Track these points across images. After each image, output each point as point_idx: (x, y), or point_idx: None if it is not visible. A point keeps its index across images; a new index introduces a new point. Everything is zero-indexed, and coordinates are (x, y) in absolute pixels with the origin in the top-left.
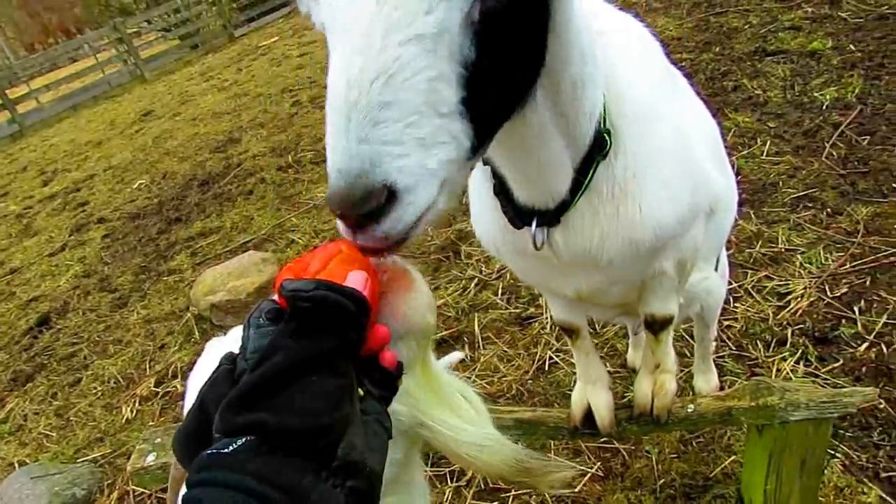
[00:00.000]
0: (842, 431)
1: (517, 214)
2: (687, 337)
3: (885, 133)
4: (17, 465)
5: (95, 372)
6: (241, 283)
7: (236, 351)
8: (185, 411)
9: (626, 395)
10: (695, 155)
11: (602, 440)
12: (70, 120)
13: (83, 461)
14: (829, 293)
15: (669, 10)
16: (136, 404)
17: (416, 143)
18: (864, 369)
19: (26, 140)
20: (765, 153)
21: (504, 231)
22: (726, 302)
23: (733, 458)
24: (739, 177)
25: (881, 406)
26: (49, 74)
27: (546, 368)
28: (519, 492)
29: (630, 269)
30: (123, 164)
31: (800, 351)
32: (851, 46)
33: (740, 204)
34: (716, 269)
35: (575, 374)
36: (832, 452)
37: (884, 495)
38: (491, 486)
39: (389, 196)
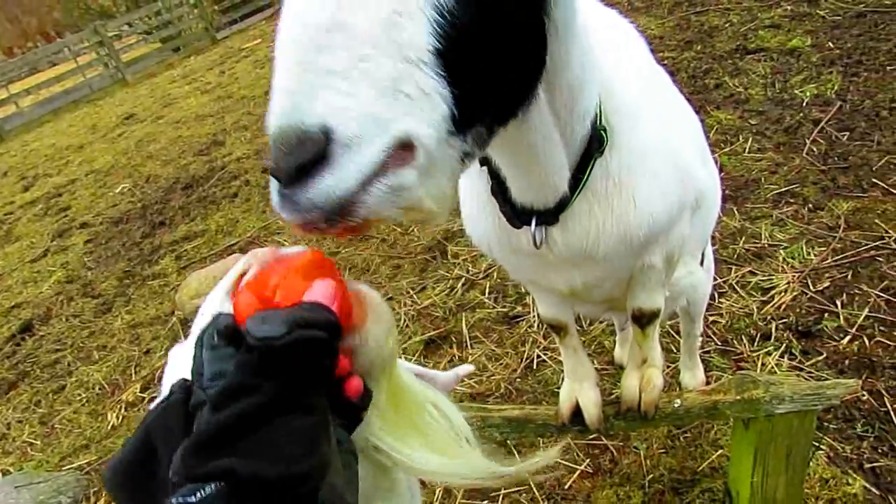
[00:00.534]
0: (826, 424)
1: (516, 214)
2: (673, 333)
3: (865, 129)
4: (0, 474)
5: (80, 378)
6: None
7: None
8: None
9: (613, 391)
10: (681, 149)
11: (590, 437)
12: (51, 124)
13: (68, 469)
14: (811, 287)
15: (651, 10)
16: (122, 410)
17: (368, 82)
18: (846, 362)
19: (6, 145)
20: (747, 150)
21: (498, 229)
22: (711, 297)
23: (720, 452)
24: (722, 174)
25: (864, 398)
26: (29, 79)
27: (534, 367)
28: (509, 490)
29: (622, 262)
30: (106, 169)
31: (784, 345)
32: (830, 44)
33: (723, 200)
34: (701, 264)
35: (562, 371)
36: (817, 445)
37: (868, 486)
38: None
39: (326, 146)
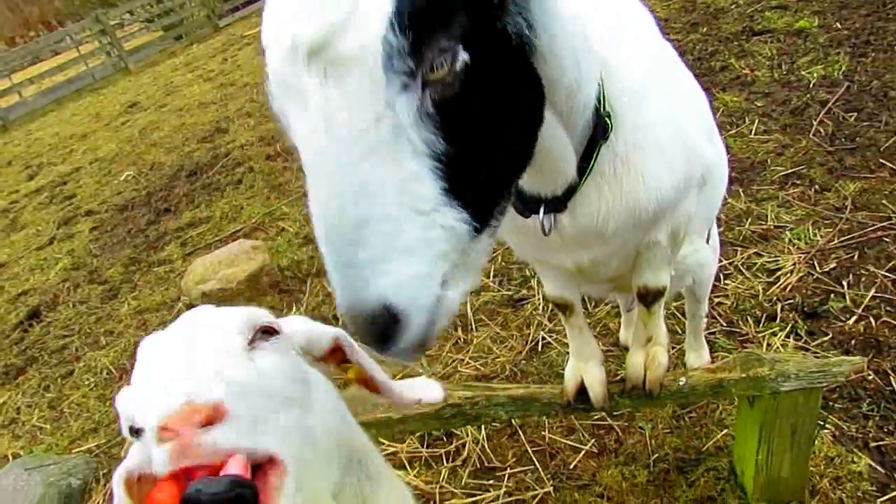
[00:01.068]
0: (831, 403)
1: (523, 203)
2: (678, 315)
3: (872, 109)
4: (10, 457)
5: (88, 363)
6: (232, 271)
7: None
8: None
9: (618, 372)
10: (687, 125)
11: (595, 417)
12: (54, 113)
13: (78, 452)
14: (817, 268)
15: None
16: None
17: (404, 252)
18: (853, 342)
19: (10, 134)
20: (753, 132)
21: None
22: (717, 279)
23: (725, 431)
24: (728, 156)
25: (870, 377)
26: (31, 68)
27: (539, 349)
28: (514, 470)
29: (630, 239)
30: (110, 157)
31: (789, 325)
32: (838, 24)
33: (730, 182)
34: (707, 244)
35: (567, 353)
36: (822, 423)
37: (873, 464)
38: (486, 465)
39: (393, 317)
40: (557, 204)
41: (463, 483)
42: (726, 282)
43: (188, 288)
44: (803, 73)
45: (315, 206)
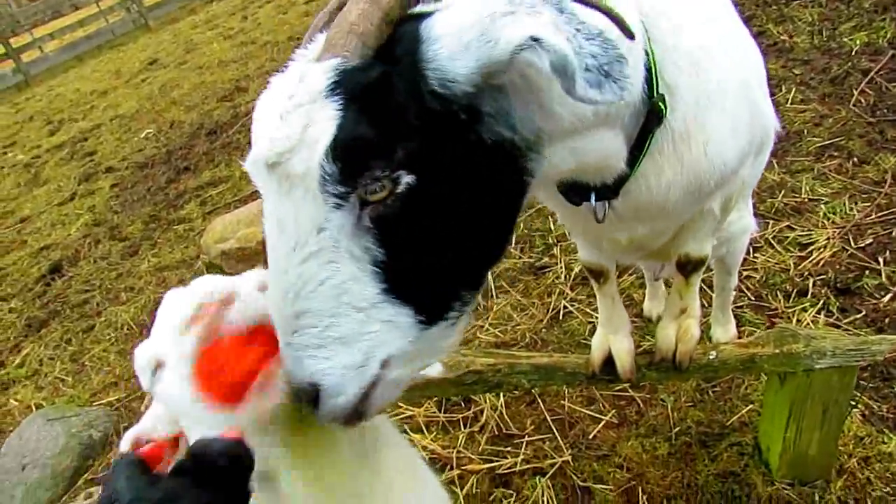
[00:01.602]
0: (863, 382)
1: (573, 191)
2: (705, 288)
3: None
4: (34, 407)
5: (108, 319)
6: (252, 230)
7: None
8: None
9: (641, 344)
10: (751, 88)
11: (616, 388)
12: (75, 69)
13: (98, 405)
14: (853, 244)
15: None
16: None
17: (338, 342)
18: (886, 320)
19: (32, 90)
20: (790, 101)
21: (555, 194)
22: (747, 252)
23: (750, 407)
24: None
25: None
26: (52, 23)
27: (560, 318)
28: (532, 438)
29: (689, 209)
30: (130, 114)
31: (821, 301)
32: None
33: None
34: None
35: (590, 323)
36: (854, 402)
37: None
38: (504, 432)
39: (318, 393)
40: (608, 192)
41: (480, 449)
42: (756, 255)
43: (207, 246)
44: (845, 39)
45: (269, 290)
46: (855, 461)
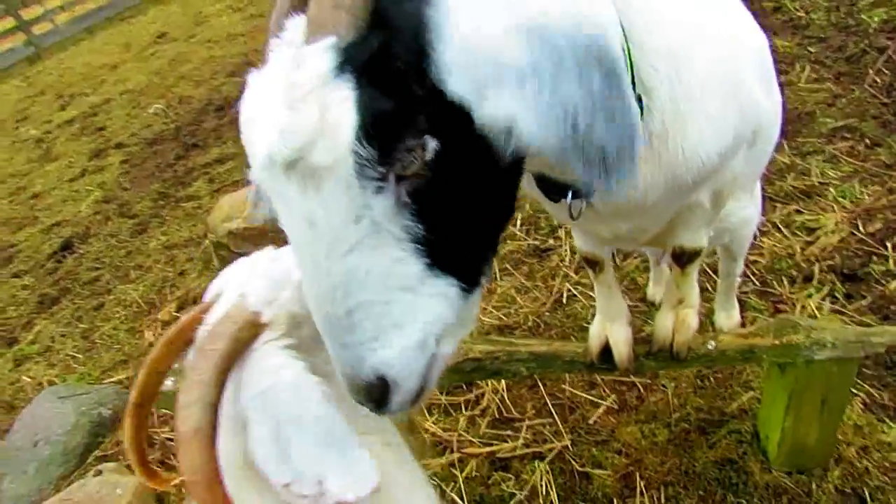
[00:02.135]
0: (864, 370)
1: (552, 188)
2: (710, 272)
3: None
4: (46, 384)
5: (118, 296)
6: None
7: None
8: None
9: (644, 329)
10: (742, 77)
11: (618, 373)
12: (85, 42)
13: (109, 382)
14: (861, 229)
15: None
16: (159, 329)
17: (394, 328)
18: (892, 307)
19: (43, 63)
20: (803, 80)
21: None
22: (752, 236)
23: (751, 394)
24: None
25: None
26: None
27: (563, 301)
28: (533, 422)
29: (671, 205)
30: (139, 88)
31: (826, 287)
32: None
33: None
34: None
35: (593, 307)
36: (854, 392)
37: None
38: (505, 415)
39: (386, 385)
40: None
41: (481, 433)
42: (763, 239)
43: (214, 225)
44: (863, 16)
45: (309, 295)
46: (853, 450)
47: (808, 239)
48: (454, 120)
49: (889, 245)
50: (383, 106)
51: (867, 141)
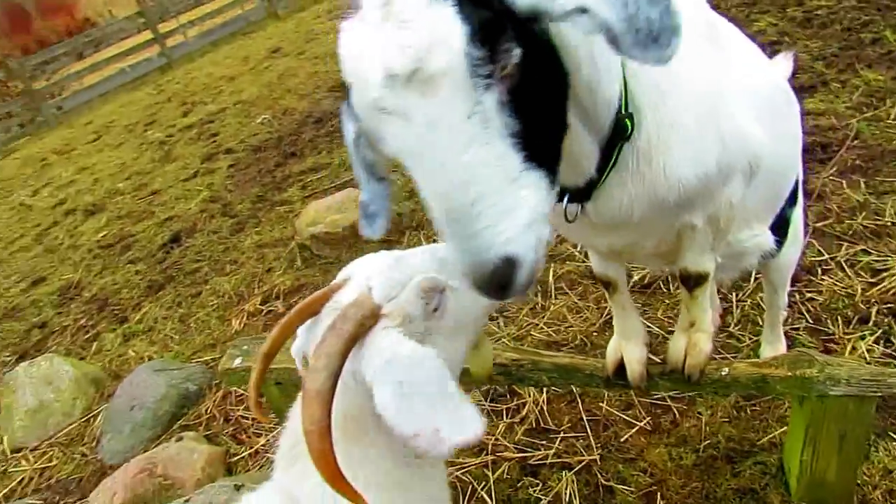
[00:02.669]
0: None
1: None
2: (763, 305)
3: None
4: (146, 358)
5: (213, 287)
6: (340, 217)
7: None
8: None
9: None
10: (726, 111)
11: (655, 396)
12: (210, 55)
13: (197, 362)
14: None
15: None
16: (245, 318)
17: (507, 214)
18: None
19: (173, 73)
20: (892, 116)
21: None
22: (812, 273)
23: (784, 428)
24: (856, 141)
25: None
26: (196, 10)
27: (612, 323)
28: (567, 435)
29: (659, 224)
30: (251, 99)
31: (881, 330)
32: None
33: (852, 172)
34: (786, 232)
35: None
36: (879, 433)
37: None
38: (542, 426)
39: (511, 263)
40: (580, 194)
41: (517, 439)
42: (823, 277)
43: (301, 229)
44: None
45: (431, 195)
46: (879, 493)
47: (872, 280)
48: (528, 29)
49: None
50: (483, 15)
51: None
